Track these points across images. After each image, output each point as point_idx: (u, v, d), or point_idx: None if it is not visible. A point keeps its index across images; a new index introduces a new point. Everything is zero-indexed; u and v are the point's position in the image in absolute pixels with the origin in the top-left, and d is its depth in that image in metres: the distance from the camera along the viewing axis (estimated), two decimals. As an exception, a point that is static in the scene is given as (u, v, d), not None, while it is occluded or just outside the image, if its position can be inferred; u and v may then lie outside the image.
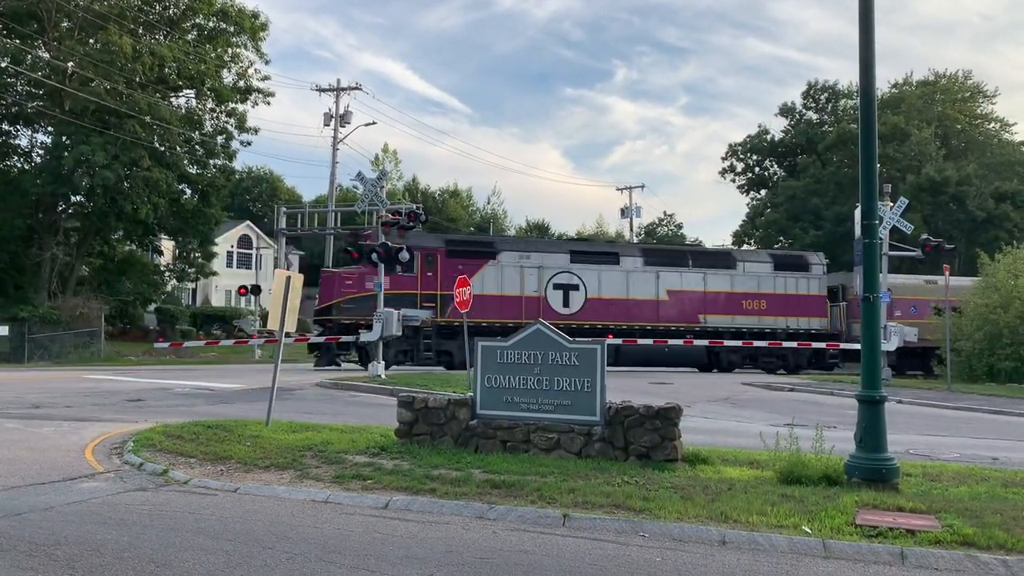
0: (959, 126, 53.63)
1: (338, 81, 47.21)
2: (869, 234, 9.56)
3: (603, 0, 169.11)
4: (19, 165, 41.46)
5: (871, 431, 9.10)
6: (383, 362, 25.87)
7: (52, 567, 6.04)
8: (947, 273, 28.22)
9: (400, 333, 27.39)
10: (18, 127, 41.20)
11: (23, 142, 42.05)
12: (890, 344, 28.90)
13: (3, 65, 37.78)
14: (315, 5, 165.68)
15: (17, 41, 37.18)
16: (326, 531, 7.32)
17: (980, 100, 54.49)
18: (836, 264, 46.90)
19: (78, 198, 39.97)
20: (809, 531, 7.32)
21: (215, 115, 44.52)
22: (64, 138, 37.39)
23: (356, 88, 47.77)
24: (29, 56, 37.80)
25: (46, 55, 38.37)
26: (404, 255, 25.74)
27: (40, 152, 40.97)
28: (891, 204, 29.10)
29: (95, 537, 6.89)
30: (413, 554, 6.64)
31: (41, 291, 39.04)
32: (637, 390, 22.60)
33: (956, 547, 6.92)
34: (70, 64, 37.79)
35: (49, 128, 39.25)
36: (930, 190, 44.45)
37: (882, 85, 53.56)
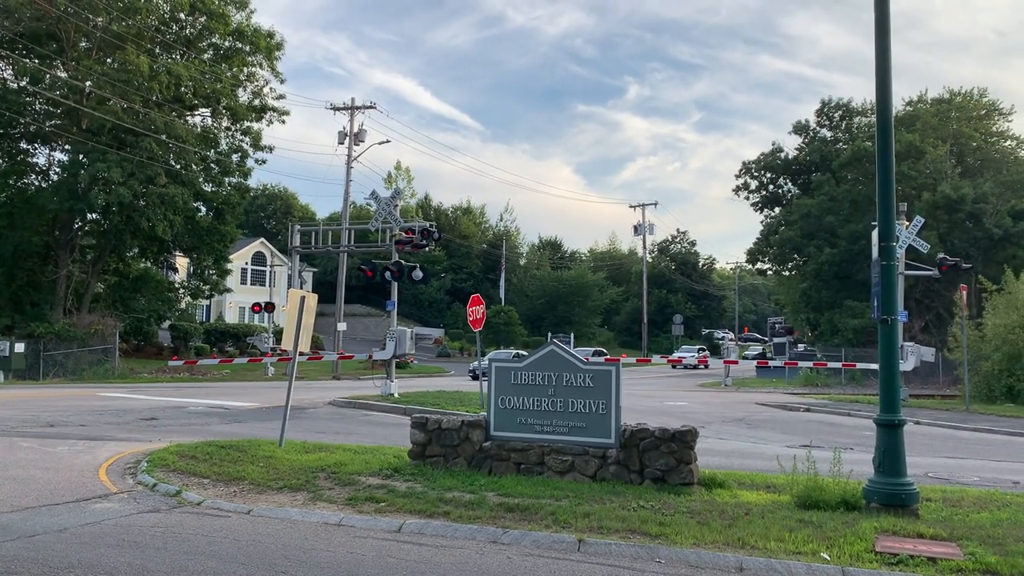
0: (974, 144, 53.21)
1: (352, 100, 47.47)
2: (887, 256, 9.47)
3: (615, 17, 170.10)
4: (36, 183, 41.85)
5: (890, 455, 8.98)
6: (395, 380, 25.85)
7: (65, 591, 6.01)
8: (964, 293, 27.95)
9: (413, 351, 27.31)
10: (36, 145, 41.67)
11: (41, 160, 42.63)
12: (907, 364, 28.64)
13: (22, 84, 38.27)
14: (326, 22, 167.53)
15: (36, 61, 37.63)
16: (339, 555, 7.27)
17: (996, 118, 54.09)
18: (851, 282, 46.57)
19: (94, 216, 40.26)
20: (828, 558, 7.20)
21: (230, 133, 44.97)
22: (81, 156, 37.73)
23: (370, 107, 48.00)
24: (48, 76, 38.26)
25: (64, 75, 38.79)
26: (417, 273, 25.72)
27: (57, 170, 41.40)
28: (907, 223, 28.74)
29: (109, 560, 6.86)
30: (427, 580, 6.57)
31: (57, 308, 39.35)
32: (651, 411, 22.49)
33: (979, 576, 6.79)
34: (88, 83, 38.23)
35: (66, 146, 39.61)
36: (946, 208, 44.07)
37: (896, 103, 53.41)
